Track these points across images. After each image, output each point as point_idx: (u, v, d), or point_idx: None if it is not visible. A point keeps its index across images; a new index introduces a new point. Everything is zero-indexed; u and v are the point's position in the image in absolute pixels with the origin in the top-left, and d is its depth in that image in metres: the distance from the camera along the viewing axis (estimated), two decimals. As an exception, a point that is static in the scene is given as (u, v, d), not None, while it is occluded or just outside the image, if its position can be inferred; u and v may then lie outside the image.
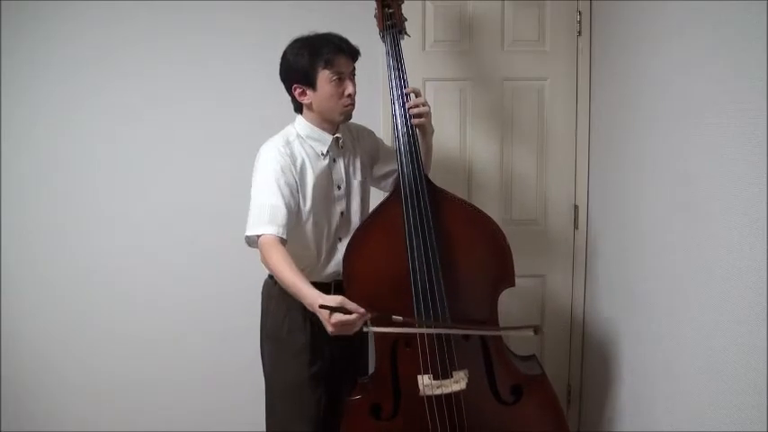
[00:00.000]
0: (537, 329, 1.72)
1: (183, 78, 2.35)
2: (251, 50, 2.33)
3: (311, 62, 1.76)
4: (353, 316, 1.52)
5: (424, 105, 1.83)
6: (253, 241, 1.74)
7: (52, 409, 2.45)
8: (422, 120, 1.82)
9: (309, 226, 1.83)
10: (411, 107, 1.81)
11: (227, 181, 2.32)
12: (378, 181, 2.04)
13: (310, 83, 1.79)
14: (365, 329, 1.61)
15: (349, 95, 1.80)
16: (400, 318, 1.62)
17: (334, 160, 1.88)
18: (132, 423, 2.46)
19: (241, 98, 2.36)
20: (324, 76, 1.77)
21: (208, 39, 2.34)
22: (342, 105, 1.81)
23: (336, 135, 1.87)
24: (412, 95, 1.82)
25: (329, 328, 1.54)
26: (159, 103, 2.36)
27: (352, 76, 1.82)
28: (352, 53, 1.81)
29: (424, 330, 1.72)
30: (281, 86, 1.85)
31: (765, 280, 1.21)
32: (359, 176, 1.93)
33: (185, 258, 2.42)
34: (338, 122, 1.86)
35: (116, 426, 2.46)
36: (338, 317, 1.53)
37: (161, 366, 2.46)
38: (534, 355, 2.03)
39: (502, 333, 1.86)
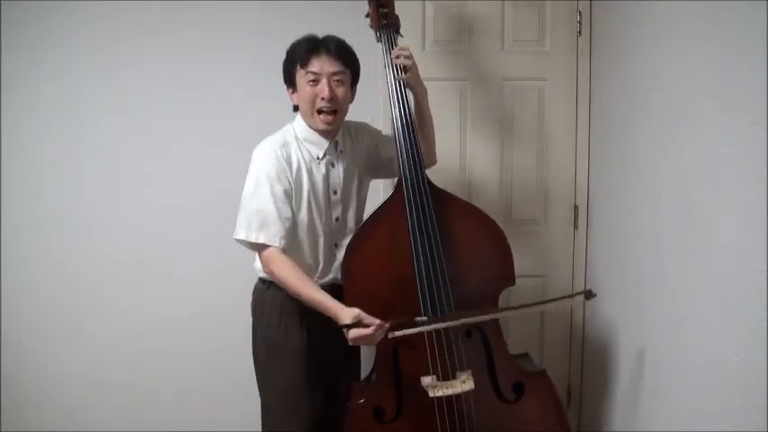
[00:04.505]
0: (589, 294, 1.73)
1: (181, 78, 2.35)
2: (248, 50, 2.33)
3: (291, 62, 1.76)
4: (371, 329, 1.57)
5: (407, 58, 1.78)
6: (244, 243, 1.75)
7: (52, 409, 2.45)
8: (407, 73, 1.77)
9: (303, 232, 1.79)
10: (395, 56, 1.78)
11: (227, 181, 2.30)
12: (381, 171, 1.97)
13: (293, 83, 1.78)
14: (390, 336, 1.62)
15: (323, 98, 1.72)
16: (424, 317, 1.64)
17: (333, 165, 1.83)
18: (132, 423, 2.45)
19: (237, 98, 2.35)
20: (300, 76, 1.74)
21: (205, 38, 2.33)
22: (313, 109, 1.73)
23: (335, 140, 1.82)
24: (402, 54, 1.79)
25: (349, 342, 1.60)
26: (158, 102, 2.35)
27: (332, 78, 1.73)
28: (334, 55, 1.73)
29: (447, 324, 1.68)
30: (277, 86, 1.84)
31: (765, 280, 1.21)
32: (356, 180, 1.89)
33: (185, 259, 2.42)
34: (320, 130, 1.78)
35: (116, 426, 2.45)
36: (355, 332, 1.58)
37: (160, 367, 2.45)
38: (527, 353, 2.01)
39: (549, 306, 1.88)
